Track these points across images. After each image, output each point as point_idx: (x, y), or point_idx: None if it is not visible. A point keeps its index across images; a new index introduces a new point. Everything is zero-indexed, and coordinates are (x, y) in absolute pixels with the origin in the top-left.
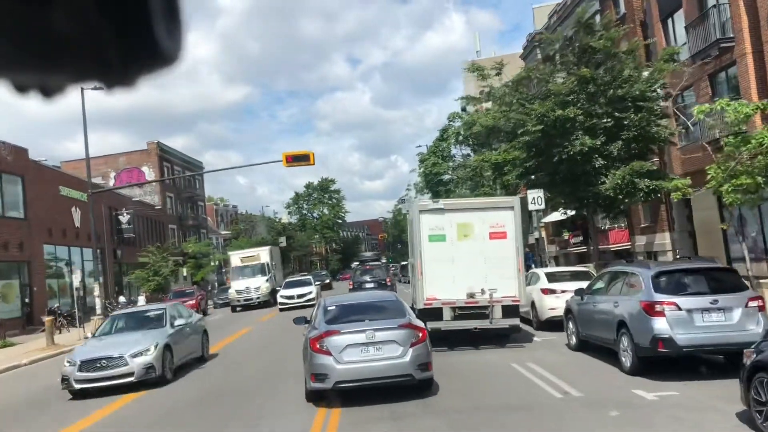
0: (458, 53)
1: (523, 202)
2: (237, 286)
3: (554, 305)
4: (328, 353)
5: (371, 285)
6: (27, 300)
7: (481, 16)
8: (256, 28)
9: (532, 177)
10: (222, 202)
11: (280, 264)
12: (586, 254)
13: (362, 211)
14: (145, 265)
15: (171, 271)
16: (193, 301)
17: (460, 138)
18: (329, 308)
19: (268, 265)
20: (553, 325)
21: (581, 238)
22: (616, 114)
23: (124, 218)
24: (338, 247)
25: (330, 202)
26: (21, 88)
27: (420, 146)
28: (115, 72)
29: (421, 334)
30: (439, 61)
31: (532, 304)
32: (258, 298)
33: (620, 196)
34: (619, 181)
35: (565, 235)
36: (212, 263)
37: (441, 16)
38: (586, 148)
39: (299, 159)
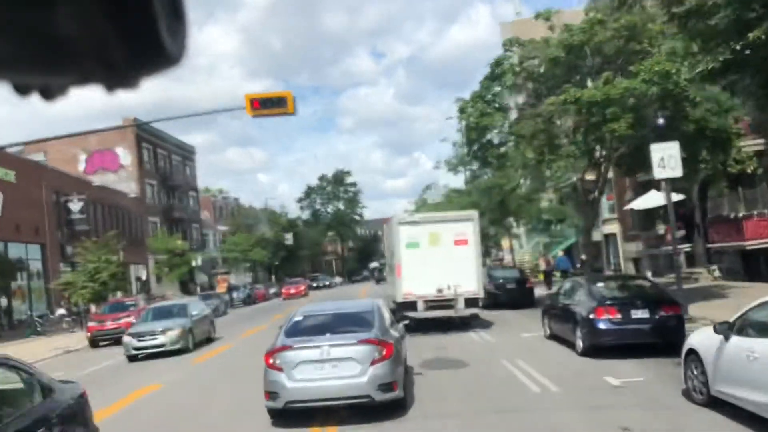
0: (483, 48)
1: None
2: None
3: None
4: (280, 369)
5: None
6: None
7: (508, 8)
8: (278, 21)
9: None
10: (221, 194)
11: None
12: (690, 255)
13: (384, 209)
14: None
15: (112, 275)
16: (130, 318)
17: (522, 76)
18: (296, 319)
19: None
20: None
21: (683, 231)
22: None
23: (75, 206)
24: (355, 246)
25: (346, 196)
26: (22, 90)
27: (459, 99)
28: (119, 73)
29: (385, 351)
30: (464, 56)
31: None
32: None
33: None
34: None
35: (660, 229)
36: (194, 262)
37: (466, 8)
38: None
39: (270, 104)
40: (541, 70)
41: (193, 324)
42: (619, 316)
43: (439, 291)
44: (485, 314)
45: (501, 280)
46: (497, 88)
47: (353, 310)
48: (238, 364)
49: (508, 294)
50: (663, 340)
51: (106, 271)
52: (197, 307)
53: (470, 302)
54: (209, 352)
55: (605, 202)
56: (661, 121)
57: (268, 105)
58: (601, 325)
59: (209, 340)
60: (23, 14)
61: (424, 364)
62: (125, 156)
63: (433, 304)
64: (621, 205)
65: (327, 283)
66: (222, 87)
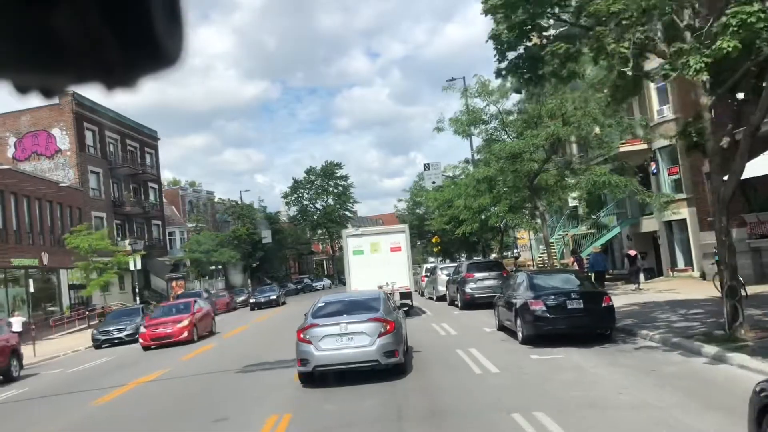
0: (479, 47)
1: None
2: None
3: None
4: (309, 342)
5: None
6: None
7: None
8: (273, 22)
9: None
10: (192, 186)
11: None
12: None
13: (381, 208)
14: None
15: None
16: None
17: None
18: (320, 304)
19: None
20: None
21: None
22: None
23: None
24: None
25: (336, 190)
26: (22, 89)
27: None
28: (117, 73)
29: (388, 327)
30: (458, 55)
31: None
32: None
33: None
34: None
35: None
36: (132, 264)
37: (462, 7)
38: None
39: None
40: None
41: None
42: None
43: (380, 287)
44: (528, 351)
45: (554, 296)
46: None
47: (363, 298)
48: None
49: (572, 320)
50: None
51: None
52: None
53: (404, 295)
54: None
55: (665, 178)
56: None
57: None
58: None
59: None
60: (21, 15)
61: None
62: (62, 139)
63: None
64: (695, 180)
65: (272, 296)
66: (217, 88)
